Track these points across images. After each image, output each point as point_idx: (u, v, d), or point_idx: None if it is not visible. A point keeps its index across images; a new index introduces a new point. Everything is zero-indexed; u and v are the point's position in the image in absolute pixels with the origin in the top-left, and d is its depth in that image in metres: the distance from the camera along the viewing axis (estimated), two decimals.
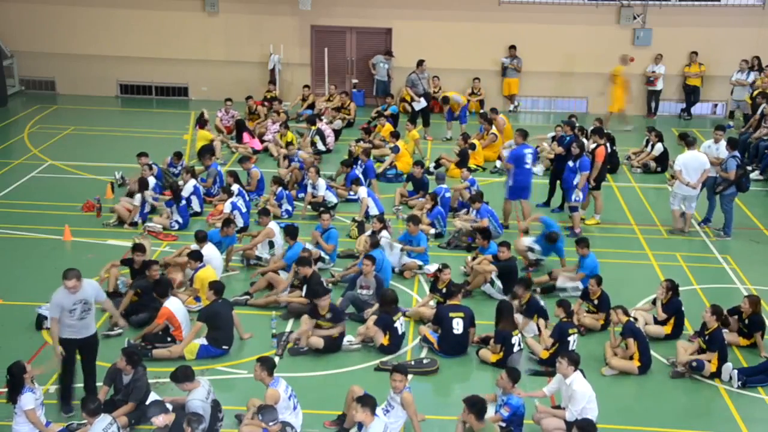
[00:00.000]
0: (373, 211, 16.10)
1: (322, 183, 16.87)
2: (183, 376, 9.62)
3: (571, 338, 11.33)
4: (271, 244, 14.44)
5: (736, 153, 15.99)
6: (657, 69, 24.09)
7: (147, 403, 9.68)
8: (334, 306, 12.03)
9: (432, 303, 12.72)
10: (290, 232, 13.77)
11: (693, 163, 15.87)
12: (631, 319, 11.54)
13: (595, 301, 12.63)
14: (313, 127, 20.49)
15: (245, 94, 23.47)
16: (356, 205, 16.73)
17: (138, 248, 12.89)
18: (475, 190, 16.42)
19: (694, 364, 11.21)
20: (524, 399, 9.91)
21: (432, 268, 14.08)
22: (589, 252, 13.41)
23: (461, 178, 17.23)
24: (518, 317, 12.11)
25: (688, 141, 16.51)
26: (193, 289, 12.83)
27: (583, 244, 13.48)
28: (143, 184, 16.12)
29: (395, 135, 20.14)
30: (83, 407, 9.12)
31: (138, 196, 16.02)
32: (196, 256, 12.97)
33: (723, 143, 16.40)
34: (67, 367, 10.11)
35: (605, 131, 19.27)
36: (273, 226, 14.58)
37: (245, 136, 20.58)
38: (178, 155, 18.40)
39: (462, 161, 18.25)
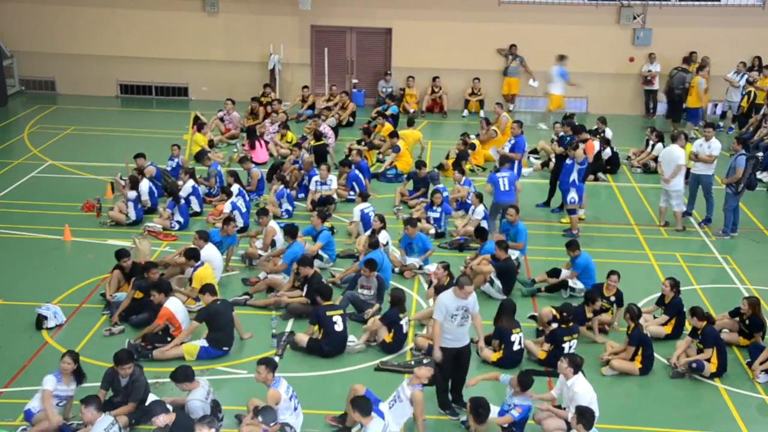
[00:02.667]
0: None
1: (333, 178, 17.18)
2: (183, 375, 9.62)
3: (566, 345, 11.31)
4: (273, 244, 14.45)
5: (744, 151, 16.02)
6: (652, 68, 24.09)
7: (147, 403, 9.68)
8: None
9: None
10: (290, 232, 13.80)
11: (667, 156, 16.34)
12: (640, 323, 11.49)
13: (612, 298, 12.63)
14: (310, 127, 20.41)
15: (245, 94, 23.52)
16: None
17: (122, 254, 12.86)
18: (473, 192, 16.52)
19: (694, 365, 11.21)
20: (532, 401, 9.93)
21: (432, 267, 14.05)
22: (580, 252, 13.41)
23: (453, 179, 17.24)
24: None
25: (672, 135, 17.08)
26: (192, 289, 12.82)
27: (573, 246, 13.49)
28: (134, 183, 16.14)
29: (394, 135, 20.14)
30: (85, 404, 9.08)
31: (132, 193, 16.02)
32: (193, 255, 12.97)
33: (714, 141, 16.39)
34: None
35: (598, 130, 19.51)
36: (274, 225, 14.59)
37: (255, 144, 19.96)
38: (178, 146, 18.43)
39: (456, 162, 18.21)
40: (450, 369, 10.28)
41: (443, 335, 10.07)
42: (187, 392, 9.63)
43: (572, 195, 15.87)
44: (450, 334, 10.08)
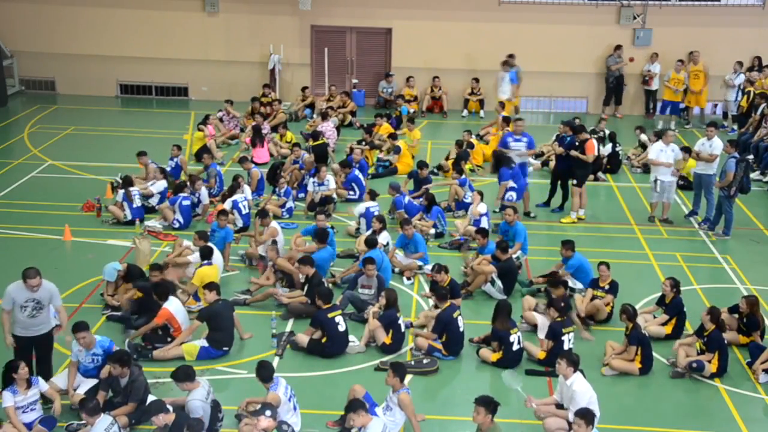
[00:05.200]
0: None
1: (331, 178, 17.12)
2: (184, 375, 9.62)
3: (565, 337, 11.34)
4: (274, 243, 14.44)
5: (736, 154, 16.00)
6: (652, 68, 24.08)
7: (147, 403, 9.69)
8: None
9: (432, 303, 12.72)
10: (319, 236, 13.80)
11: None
12: (638, 323, 11.51)
13: (606, 287, 12.73)
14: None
15: (245, 94, 23.50)
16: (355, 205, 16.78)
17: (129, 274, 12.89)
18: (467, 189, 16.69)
19: (695, 365, 11.22)
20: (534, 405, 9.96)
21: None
22: (573, 253, 13.41)
23: (451, 177, 17.25)
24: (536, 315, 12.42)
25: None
26: (191, 285, 12.83)
27: (567, 246, 13.50)
28: (127, 182, 16.14)
29: (393, 137, 20.06)
30: (82, 407, 9.13)
31: (120, 192, 15.99)
32: (207, 254, 13.02)
33: (716, 140, 16.40)
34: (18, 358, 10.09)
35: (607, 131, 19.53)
36: (276, 225, 14.60)
37: (249, 141, 19.99)
38: (178, 147, 18.41)
39: (455, 162, 18.19)
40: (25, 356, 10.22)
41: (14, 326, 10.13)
42: (187, 392, 9.63)
43: None
44: (21, 324, 10.10)
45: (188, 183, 16.45)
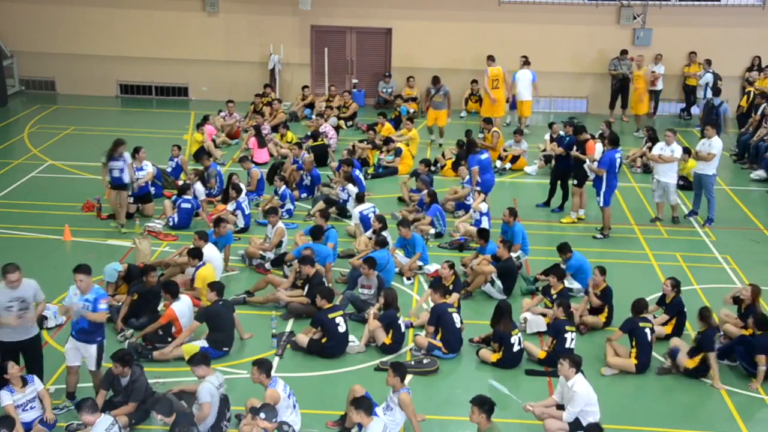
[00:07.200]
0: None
1: (352, 189, 16.72)
2: (201, 357, 9.82)
3: (568, 335, 11.34)
4: (280, 244, 14.43)
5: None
6: (657, 69, 24.08)
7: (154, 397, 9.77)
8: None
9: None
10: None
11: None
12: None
13: (597, 293, 12.63)
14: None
15: (245, 94, 23.51)
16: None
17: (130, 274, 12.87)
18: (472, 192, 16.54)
19: (670, 351, 11.36)
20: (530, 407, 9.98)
21: (432, 268, 14.08)
22: (572, 253, 13.41)
23: (459, 175, 17.23)
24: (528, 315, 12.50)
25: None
26: (195, 289, 12.81)
27: (563, 250, 13.49)
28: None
29: (389, 140, 19.94)
30: (79, 408, 9.08)
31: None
32: (196, 254, 12.95)
33: (715, 139, 16.38)
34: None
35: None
36: (282, 225, 14.58)
37: (255, 143, 19.87)
38: (178, 147, 18.39)
39: (455, 162, 18.18)
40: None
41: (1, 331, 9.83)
42: (199, 379, 9.69)
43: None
44: (8, 327, 9.79)
45: (191, 184, 16.46)
